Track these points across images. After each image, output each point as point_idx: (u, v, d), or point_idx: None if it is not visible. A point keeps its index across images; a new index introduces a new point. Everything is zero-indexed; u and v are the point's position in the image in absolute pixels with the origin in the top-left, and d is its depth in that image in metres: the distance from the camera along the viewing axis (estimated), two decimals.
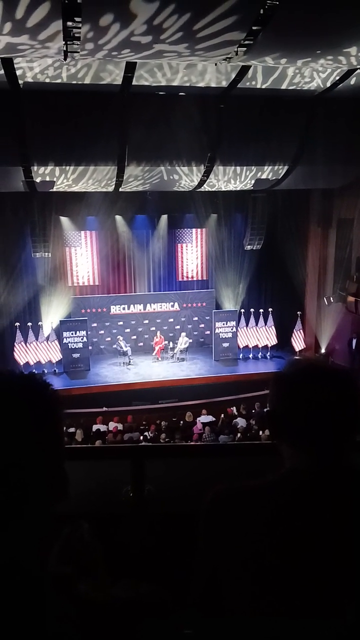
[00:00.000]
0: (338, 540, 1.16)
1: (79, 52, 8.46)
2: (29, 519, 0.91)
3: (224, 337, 16.44)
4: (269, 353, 16.86)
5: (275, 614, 1.14)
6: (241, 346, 16.71)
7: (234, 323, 16.51)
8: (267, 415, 1.33)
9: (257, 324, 16.79)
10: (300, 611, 1.13)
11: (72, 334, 15.42)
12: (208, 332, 16.97)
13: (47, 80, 10.52)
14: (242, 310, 16.88)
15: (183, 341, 16.22)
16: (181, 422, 12.55)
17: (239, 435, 10.94)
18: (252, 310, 16.84)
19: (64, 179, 12.64)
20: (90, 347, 15.90)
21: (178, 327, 16.83)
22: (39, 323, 15.67)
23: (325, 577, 1.14)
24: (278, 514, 1.21)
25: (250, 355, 16.85)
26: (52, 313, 15.90)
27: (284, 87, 11.42)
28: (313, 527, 1.18)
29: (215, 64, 9.93)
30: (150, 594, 1.01)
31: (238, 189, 14.61)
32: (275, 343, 16.84)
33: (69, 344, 15.41)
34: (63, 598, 0.88)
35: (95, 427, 12.09)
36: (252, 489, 1.28)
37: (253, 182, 14.13)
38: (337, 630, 1.02)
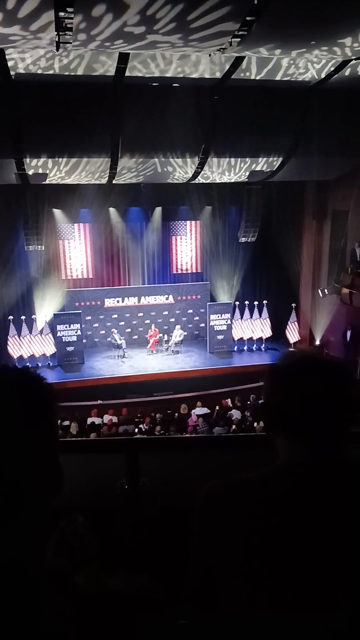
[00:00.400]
0: (334, 533, 1.16)
1: (71, 43, 8.40)
2: (24, 514, 0.90)
3: (218, 329, 16.46)
4: (263, 345, 16.89)
5: (270, 609, 1.14)
6: (236, 338, 16.74)
7: (228, 315, 16.51)
8: (262, 407, 1.32)
9: (251, 316, 16.80)
10: (296, 606, 1.13)
11: (66, 327, 15.39)
12: (203, 325, 16.97)
13: (40, 72, 10.44)
14: (237, 303, 16.89)
15: (178, 334, 16.22)
16: (176, 414, 12.57)
17: (233, 427, 10.96)
18: (246, 302, 16.86)
19: (57, 171, 12.56)
20: (84, 340, 15.86)
21: (172, 319, 16.83)
22: (33, 316, 15.60)
23: (321, 571, 1.14)
24: (273, 507, 1.20)
25: (245, 348, 16.88)
26: (46, 306, 15.84)
27: (278, 78, 11.37)
28: (308, 520, 1.17)
29: (209, 55, 9.87)
30: (144, 588, 1.01)
31: (232, 180, 14.56)
32: (269, 335, 16.85)
33: (63, 337, 15.38)
34: (58, 593, 0.87)
35: (90, 420, 12.09)
36: (246, 482, 1.28)
37: (247, 174, 14.07)
38: (333, 625, 1.02)
